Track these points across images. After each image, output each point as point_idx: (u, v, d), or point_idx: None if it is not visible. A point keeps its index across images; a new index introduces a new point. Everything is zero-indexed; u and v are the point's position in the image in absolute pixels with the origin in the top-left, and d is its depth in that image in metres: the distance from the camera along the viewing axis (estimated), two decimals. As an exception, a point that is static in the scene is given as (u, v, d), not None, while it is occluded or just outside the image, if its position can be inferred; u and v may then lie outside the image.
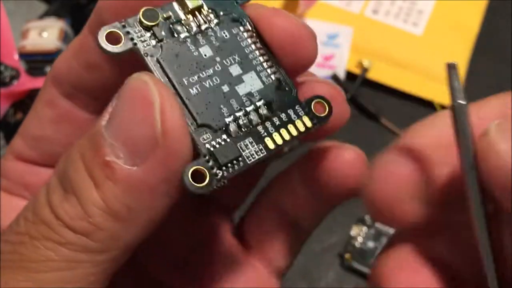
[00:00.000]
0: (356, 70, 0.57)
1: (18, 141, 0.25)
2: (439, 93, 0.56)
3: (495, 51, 0.60)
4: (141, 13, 0.20)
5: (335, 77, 0.57)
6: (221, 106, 0.20)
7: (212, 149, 0.19)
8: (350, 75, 0.57)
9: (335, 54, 0.58)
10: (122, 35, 0.19)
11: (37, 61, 0.51)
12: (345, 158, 0.23)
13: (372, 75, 0.57)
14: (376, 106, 0.56)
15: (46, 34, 0.51)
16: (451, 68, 0.18)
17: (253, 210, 0.27)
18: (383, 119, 0.55)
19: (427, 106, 0.56)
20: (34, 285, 0.18)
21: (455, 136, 0.17)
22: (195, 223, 0.27)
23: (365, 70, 0.57)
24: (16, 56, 0.49)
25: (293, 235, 0.26)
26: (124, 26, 0.20)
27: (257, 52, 0.21)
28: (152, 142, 0.18)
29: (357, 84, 0.56)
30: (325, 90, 0.22)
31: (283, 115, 0.21)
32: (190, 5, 0.20)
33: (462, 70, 0.58)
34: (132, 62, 0.20)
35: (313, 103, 0.21)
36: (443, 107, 0.56)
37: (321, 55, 0.58)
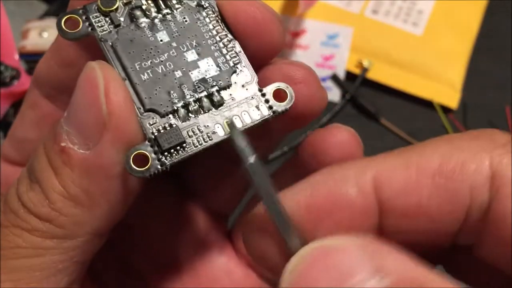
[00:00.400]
0: (356, 70, 0.57)
1: (6, 143, 0.25)
2: (439, 93, 0.57)
3: (495, 51, 0.60)
4: None
5: (335, 77, 0.57)
6: (171, 91, 0.20)
7: (156, 133, 0.19)
8: (350, 75, 0.57)
9: (335, 54, 0.58)
10: (80, 20, 0.20)
11: (37, 61, 0.50)
12: (338, 139, 0.22)
13: (372, 75, 0.57)
14: (375, 106, 0.56)
15: (46, 34, 0.51)
16: (233, 128, 0.19)
17: (242, 216, 0.27)
18: (383, 119, 0.55)
19: (427, 106, 0.56)
20: (4, 271, 0.19)
21: (256, 190, 0.18)
22: (180, 225, 0.27)
23: (365, 70, 0.57)
24: (17, 56, 0.49)
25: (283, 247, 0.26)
26: (84, 12, 0.20)
27: (217, 37, 0.21)
28: (100, 124, 0.18)
29: (357, 84, 0.57)
30: (296, 73, 0.21)
31: (237, 103, 0.20)
32: None
33: (462, 70, 0.58)
34: (100, 51, 0.20)
35: (273, 91, 0.20)
36: (442, 107, 0.56)
37: (321, 55, 0.58)
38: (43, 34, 0.51)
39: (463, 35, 0.59)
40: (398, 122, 0.55)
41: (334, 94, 0.57)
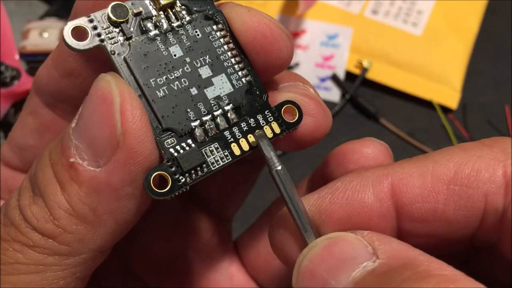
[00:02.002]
0: (356, 70, 0.57)
1: (5, 147, 0.25)
2: (438, 93, 0.57)
3: (495, 51, 0.60)
4: (109, 8, 0.19)
5: (334, 77, 0.57)
6: (188, 109, 0.19)
7: (176, 154, 0.19)
8: (349, 75, 0.58)
9: (335, 54, 0.58)
10: (88, 30, 0.19)
11: (38, 61, 0.51)
12: (371, 151, 0.22)
13: (372, 75, 0.57)
14: (375, 106, 0.56)
15: (47, 34, 0.51)
16: (261, 138, 0.20)
17: (251, 229, 0.27)
18: (382, 119, 0.55)
19: (426, 106, 0.56)
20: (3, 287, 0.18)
21: (281, 197, 0.19)
22: (184, 230, 0.27)
23: (364, 70, 0.57)
24: (17, 56, 0.49)
25: None
26: (91, 21, 0.19)
27: (229, 53, 0.20)
28: (113, 143, 0.18)
29: (356, 84, 0.57)
30: (301, 98, 0.21)
31: (251, 120, 0.20)
32: (162, 1, 0.20)
33: (462, 70, 0.58)
34: (107, 63, 0.19)
35: (283, 109, 0.20)
36: (442, 107, 0.56)
37: (321, 55, 0.58)
38: (43, 34, 0.51)
39: (463, 35, 0.59)
40: (398, 122, 0.55)
41: (334, 94, 0.57)
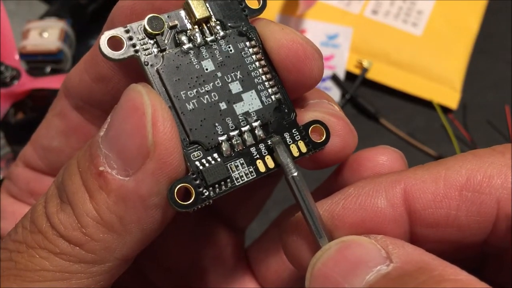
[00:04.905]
0: (356, 70, 0.57)
1: (28, 149, 0.25)
2: (438, 93, 0.57)
3: (495, 51, 0.60)
4: (146, 20, 0.19)
5: (334, 77, 0.57)
6: (216, 124, 0.20)
7: (201, 167, 0.19)
8: (349, 75, 0.57)
9: (335, 54, 0.58)
10: (124, 40, 0.19)
11: (38, 61, 0.51)
12: (385, 158, 0.22)
13: (372, 75, 0.57)
14: (375, 106, 0.56)
15: (47, 34, 0.51)
16: (277, 144, 0.20)
17: (261, 241, 0.27)
18: (382, 119, 0.55)
19: (426, 106, 0.56)
20: None
21: (296, 202, 0.19)
22: (199, 239, 0.27)
23: (364, 70, 0.57)
24: (17, 56, 0.49)
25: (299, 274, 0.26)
26: (127, 31, 0.19)
27: (260, 70, 0.21)
28: (144, 153, 0.18)
29: (356, 84, 0.57)
30: (328, 117, 0.21)
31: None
32: (198, 15, 0.20)
33: (462, 70, 0.58)
34: (139, 72, 0.19)
35: (310, 128, 0.21)
36: (442, 107, 0.56)
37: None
38: (43, 34, 0.51)
39: (463, 35, 0.59)
40: (398, 122, 0.55)
41: (334, 94, 0.57)
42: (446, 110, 0.56)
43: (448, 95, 0.57)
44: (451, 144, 0.54)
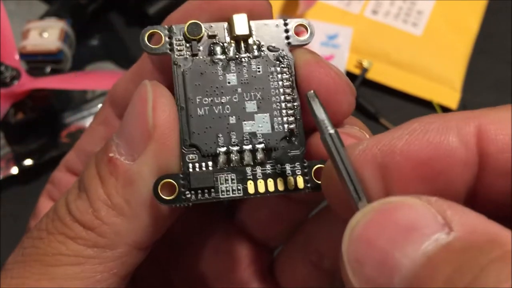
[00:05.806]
0: (356, 71, 0.57)
1: (71, 155, 0.26)
2: (438, 93, 0.57)
3: (495, 51, 0.60)
4: (187, 25, 0.20)
5: (335, 77, 0.57)
6: (220, 135, 0.20)
7: (191, 170, 0.19)
8: (349, 75, 0.57)
9: (335, 55, 0.58)
10: (163, 37, 0.20)
11: (38, 62, 0.51)
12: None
13: (372, 75, 0.57)
14: (375, 106, 0.56)
15: (47, 34, 0.51)
16: (312, 98, 0.18)
17: (286, 249, 0.27)
18: (383, 119, 0.55)
19: (426, 106, 0.56)
20: (45, 278, 0.19)
21: (332, 163, 0.17)
22: (224, 252, 0.27)
23: (364, 70, 0.57)
24: (17, 57, 0.49)
25: (328, 282, 0.25)
26: (169, 31, 0.21)
27: (283, 97, 0.21)
28: (146, 136, 0.19)
29: (356, 84, 0.57)
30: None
31: (278, 166, 0.20)
32: (237, 32, 0.20)
33: (462, 70, 0.58)
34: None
35: (315, 167, 0.20)
36: (442, 107, 0.56)
37: (321, 55, 0.58)
38: (43, 35, 0.51)
39: (463, 35, 0.59)
40: (398, 122, 0.54)
41: (334, 94, 0.57)
42: (446, 110, 0.56)
43: (448, 95, 0.57)
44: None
